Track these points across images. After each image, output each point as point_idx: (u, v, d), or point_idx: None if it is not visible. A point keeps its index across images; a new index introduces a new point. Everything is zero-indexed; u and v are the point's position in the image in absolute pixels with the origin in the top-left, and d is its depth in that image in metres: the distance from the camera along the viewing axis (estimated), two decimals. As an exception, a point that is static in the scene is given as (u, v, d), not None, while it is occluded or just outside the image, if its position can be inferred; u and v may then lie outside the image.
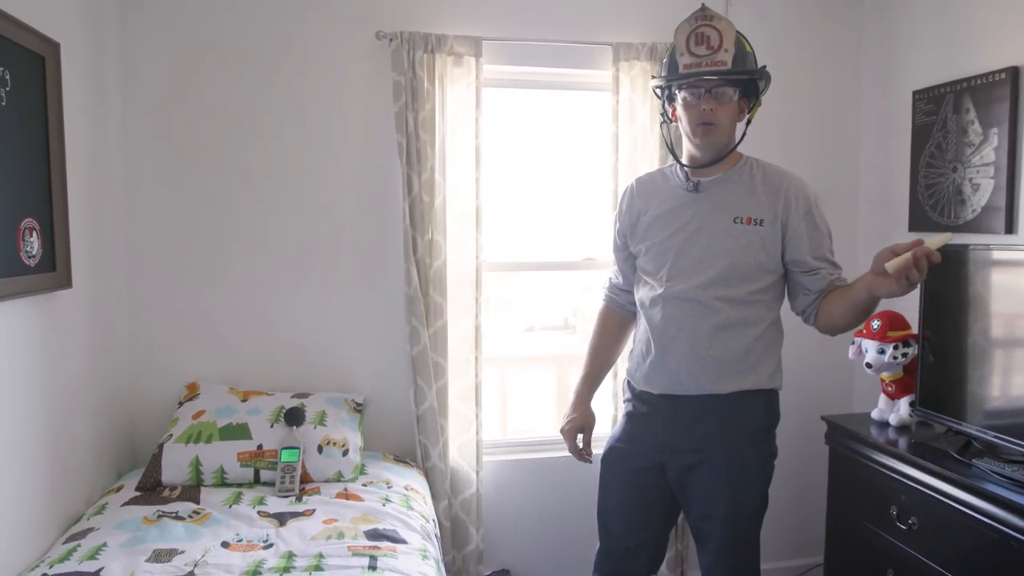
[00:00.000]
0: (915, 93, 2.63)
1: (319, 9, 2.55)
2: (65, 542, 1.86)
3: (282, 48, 2.54)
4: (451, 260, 2.59)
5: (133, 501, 2.09)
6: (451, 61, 2.54)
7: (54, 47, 1.92)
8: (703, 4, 1.76)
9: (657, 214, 1.87)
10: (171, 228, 2.52)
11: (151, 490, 2.18)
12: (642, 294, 1.90)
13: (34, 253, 1.82)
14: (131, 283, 2.50)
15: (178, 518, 1.97)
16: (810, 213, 1.76)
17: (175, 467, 2.22)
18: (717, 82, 1.73)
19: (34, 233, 1.83)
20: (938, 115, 2.53)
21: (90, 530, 1.90)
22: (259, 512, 2.04)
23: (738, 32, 1.75)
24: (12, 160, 1.74)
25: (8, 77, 1.71)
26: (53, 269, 1.92)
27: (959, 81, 2.43)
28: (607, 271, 2.13)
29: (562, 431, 2.00)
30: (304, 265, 2.60)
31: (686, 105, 1.77)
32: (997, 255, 2.09)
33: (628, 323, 2.04)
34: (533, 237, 2.95)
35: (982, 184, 2.35)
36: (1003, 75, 2.26)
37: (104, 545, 1.80)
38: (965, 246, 2.16)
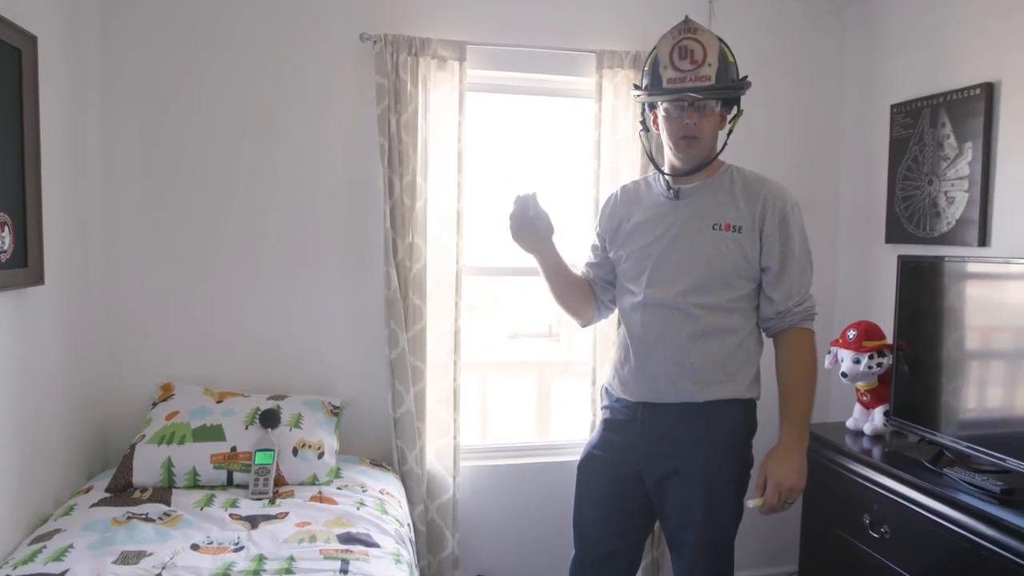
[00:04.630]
0: (893, 107, 2.67)
1: (303, 10, 2.54)
2: (31, 543, 1.82)
3: (266, 47, 2.52)
4: (431, 264, 2.58)
5: (102, 502, 2.06)
6: (435, 65, 2.54)
7: (31, 40, 1.90)
8: (686, 16, 1.77)
9: (639, 221, 1.87)
10: (149, 226, 2.49)
11: (121, 491, 2.15)
12: (623, 302, 1.90)
13: (5, 248, 1.79)
14: (107, 281, 2.47)
15: (148, 520, 1.94)
16: (785, 220, 1.76)
17: (147, 468, 2.18)
18: (701, 97, 1.73)
19: (5, 228, 1.80)
20: (915, 129, 2.56)
21: (57, 531, 1.86)
22: (231, 515, 2.01)
23: (720, 41, 1.75)
24: (-15, 153, 1.72)
25: (-18, 69, 1.69)
26: (25, 265, 1.89)
27: (935, 96, 2.47)
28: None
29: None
30: (283, 266, 2.58)
31: (668, 118, 1.77)
32: (971, 268, 2.12)
33: (588, 289, 1.99)
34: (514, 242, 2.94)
35: (957, 197, 2.38)
36: (978, 91, 2.30)
37: (71, 546, 1.77)
38: (940, 258, 2.19)
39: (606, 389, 1.96)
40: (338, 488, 2.24)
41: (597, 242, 2.01)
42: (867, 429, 2.42)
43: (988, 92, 2.27)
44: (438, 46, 2.52)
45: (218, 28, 2.49)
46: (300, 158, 2.57)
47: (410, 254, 2.54)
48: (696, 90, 1.71)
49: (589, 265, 2.02)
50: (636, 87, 1.86)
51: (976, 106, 2.30)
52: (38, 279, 1.96)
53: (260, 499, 2.13)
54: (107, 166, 2.45)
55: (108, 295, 2.47)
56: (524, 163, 2.94)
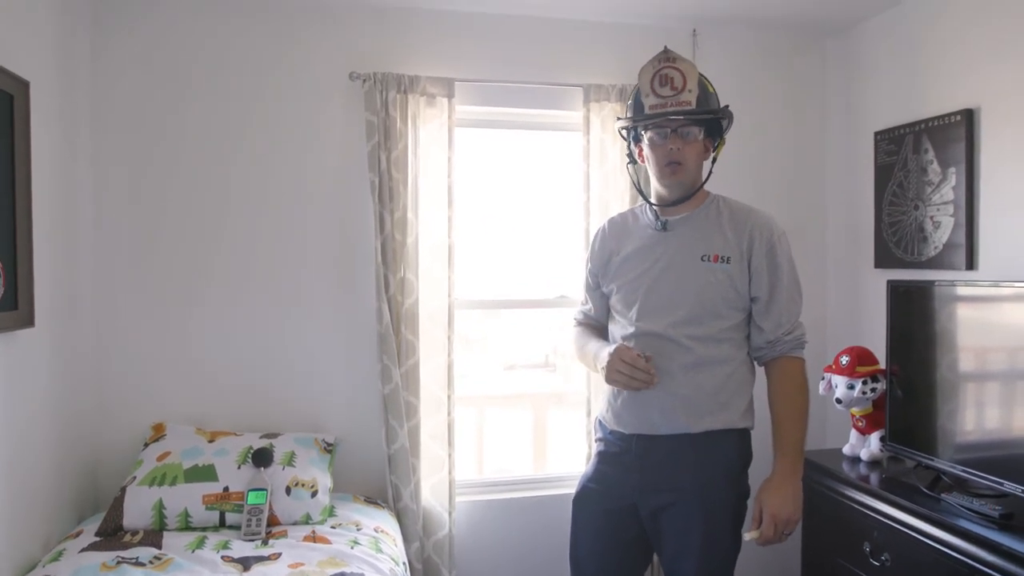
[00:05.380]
0: (876, 134, 2.71)
1: (293, 49, 2.58)
2: (18, 591, 1.79)
3: (256, 87, 2.56)
4: (423, 298, 2.58)
5: (92, 547, 2.02)
6: (424, 101, 2.57)
7: (23, 85, 1.92)
8: (665, 47, 1.81)
9: (628, 253, 1.88)
10: (139, 266, 2.50)
11: (112, 535, 2.12)
12: (614, 333, 1.90)
13: (-5, 291, 1.79)
14: (97, 322, 2.46)
15: (138, 564, 1.91)
16: (772, 250, 1.78)
17: (137, 511, 2.16)
18: (683, 122, 1.76)
19: (-4, 271, 1.80)
20: (899, 155, 2.60)
21: (45, 578, 1.83)
22: (223, 557, 1.98)
23: (700, 73, 1.80)
24: (-25, 198, 1.73)
25: (-26, 115, 1.70)
26: (15, 307, 1.89)
27: (918, 122, 2.51)
28: (578, 308, 2.12)
29: (613, 357, 1.74)
30: (275, 304, 2.58)
31: (652, 145, 1.80)
32: (961, 291, 2.13)
33: (606, 334, 1.98)
34: (506, 275, 2.96)
35: (943, 222, 2.40)
36: (958, 117, 2.33)
37: (59, 593, 1.74)
38: (930, 283, 2.20)
39: (599, 421, 1.95)
40: (332, 527, 2.21)
41: (591, 280, 2.00)
42: (864, 455, 2.41)
43: (968, 118, 2.30)
44: (427, 83, 2.56)
45: (208, 69, 2.53)
46: (291, 196, 2.59)
47: (402, 289, 2.54)
48: (677, 114, 1.74)
49: (595, 314, 2.00)
50: (620, 118, 1.89)
51: (957, 132, 2.34)
52: (28, 321, 1.95)
53: (253, 540, 2.10)
54: (97, 208, 2.46)
55: (99, 336, 2.47)
56: (514, 197, 2.96)
